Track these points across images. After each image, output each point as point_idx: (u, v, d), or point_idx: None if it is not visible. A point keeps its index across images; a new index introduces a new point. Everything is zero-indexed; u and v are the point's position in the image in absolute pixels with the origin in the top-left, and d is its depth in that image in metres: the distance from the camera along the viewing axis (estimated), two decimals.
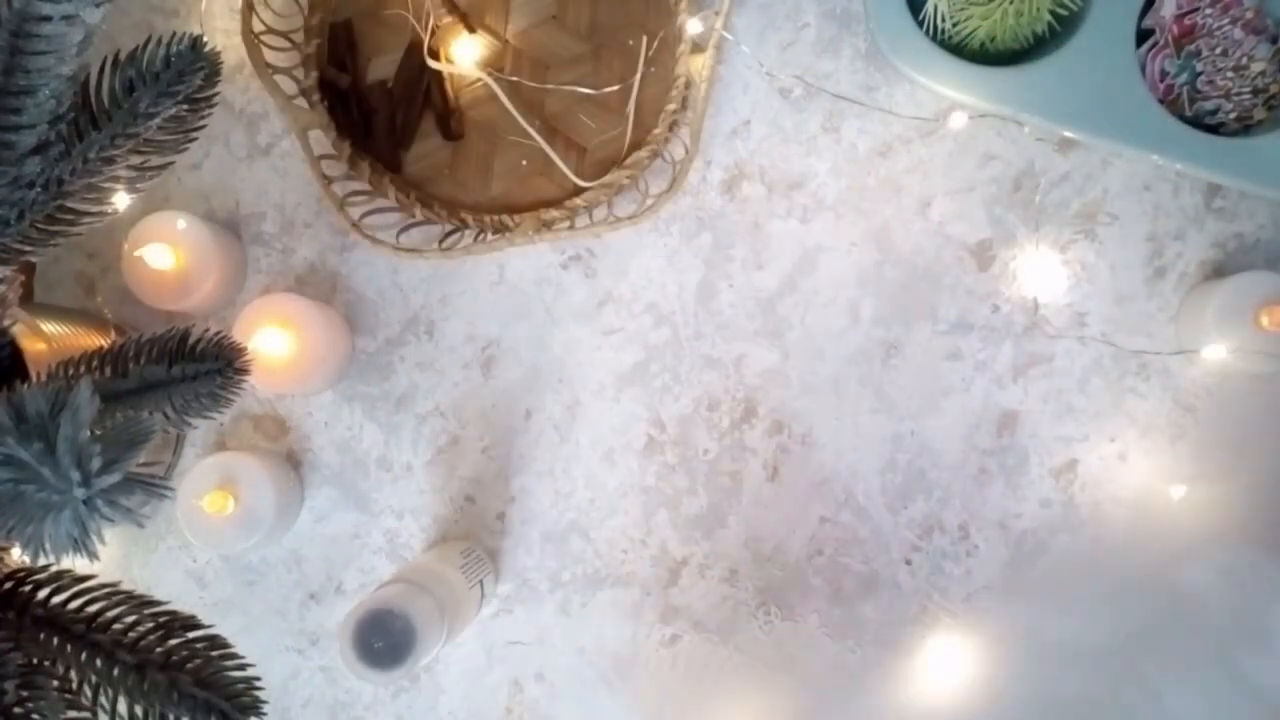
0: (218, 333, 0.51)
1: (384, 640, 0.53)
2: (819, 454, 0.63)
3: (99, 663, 0.42)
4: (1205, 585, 0.62)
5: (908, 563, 0.63)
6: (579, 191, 0.63)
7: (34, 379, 0.49)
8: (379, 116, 0.65)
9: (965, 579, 0.63)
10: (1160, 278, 0.63)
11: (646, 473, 0.64)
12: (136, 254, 0.60)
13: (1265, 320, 0.58)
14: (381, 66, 0.66)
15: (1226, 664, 0.61)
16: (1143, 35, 0.62)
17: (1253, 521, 0.62)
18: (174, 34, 0.46)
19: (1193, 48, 0.61)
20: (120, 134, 0.45)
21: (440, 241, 0.63)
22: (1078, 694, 0.62)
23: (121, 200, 0.51)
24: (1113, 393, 0.63)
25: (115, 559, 0.66)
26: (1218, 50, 0.60)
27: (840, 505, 0.63)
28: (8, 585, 0.44)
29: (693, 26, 0.62)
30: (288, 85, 0.63)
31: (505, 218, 0.64)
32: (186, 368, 0.49)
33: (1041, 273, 0.63)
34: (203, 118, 0.50)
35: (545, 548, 0.64)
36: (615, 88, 0.65)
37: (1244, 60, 0.60)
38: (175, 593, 0.66)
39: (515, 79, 0.65)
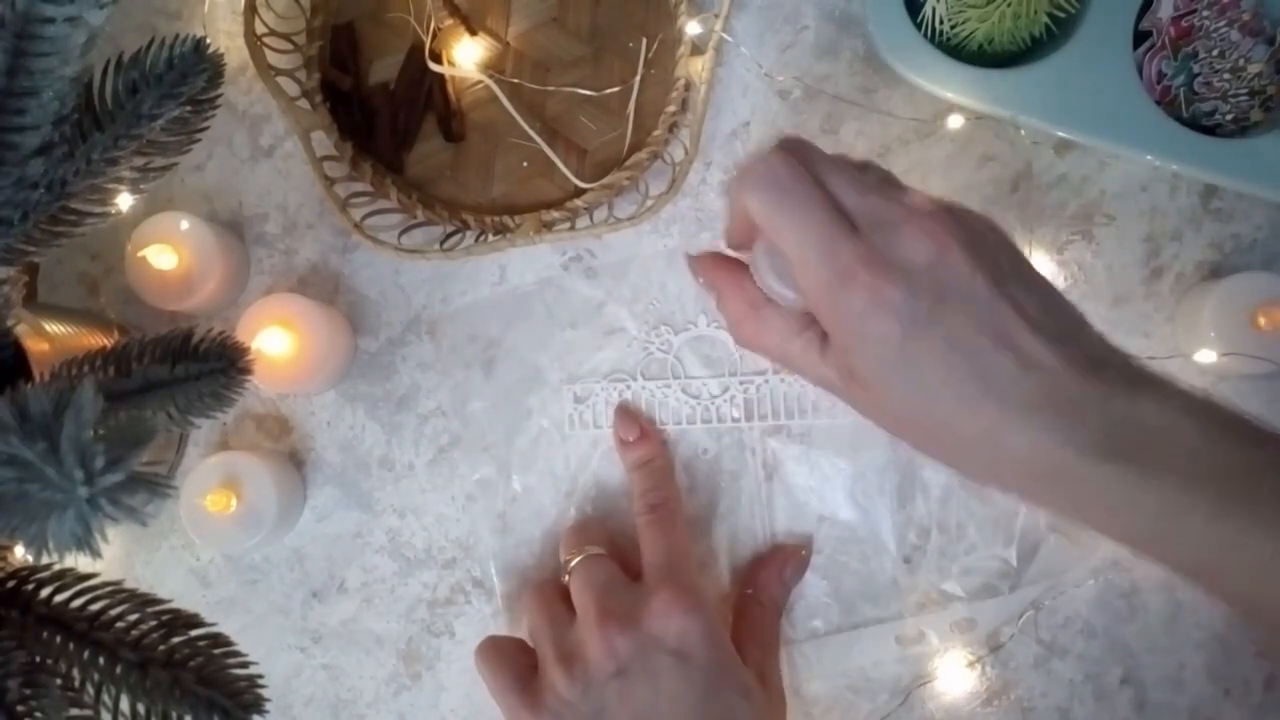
0: (220, 333, 0.52)
1: None
2: (817, 453, 0.64)
3: (102, 661, 0.42)
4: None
5: (906, 561, 0.63)
6: (579, 193, 0.64)
7: (37, 379, 0.50)
8: (381, 118, 0.66)
9: (964, 577, 0.63)
10: (1157, 278, 0.63)
11: None
12: (140, 254, 0.61)
13: (1262, 321, 0.58)
14: (383, 68, 0.66)
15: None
16: (1140, 37, 0.62)
17: None
18: (177, 36, 0.46)
19: (1190, 49, 0.61)
20: (124, 135, 0.45)
21: (441, 242, 0.64)
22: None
23: (125, 201, 0.51)
24: None
25: (118, 558, 0.66)
26: (1215, 52, 0.60)
27: (839, 504, 0.63)
28: (10, 584, 0.44)
29: (692, 29, 0.62)
30: (290, 87, 0.63)
31: (506, 219, 0.64)
32: (190, 367, 0.50)
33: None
34: (206, 119, 0.50)
35: (546, 546, 0.64)
36: (615, 90, 0.65)
37: (1241, 62, 0.60)
38: (178, 591, 0.66)
39: (516, 81, 0.65)
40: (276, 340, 0.60)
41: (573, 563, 0.59)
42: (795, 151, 0.45)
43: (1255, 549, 0.39)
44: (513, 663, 0.58)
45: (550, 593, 0.60)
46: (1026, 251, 0.63)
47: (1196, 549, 0.40)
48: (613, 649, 0.54)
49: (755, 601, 0.61)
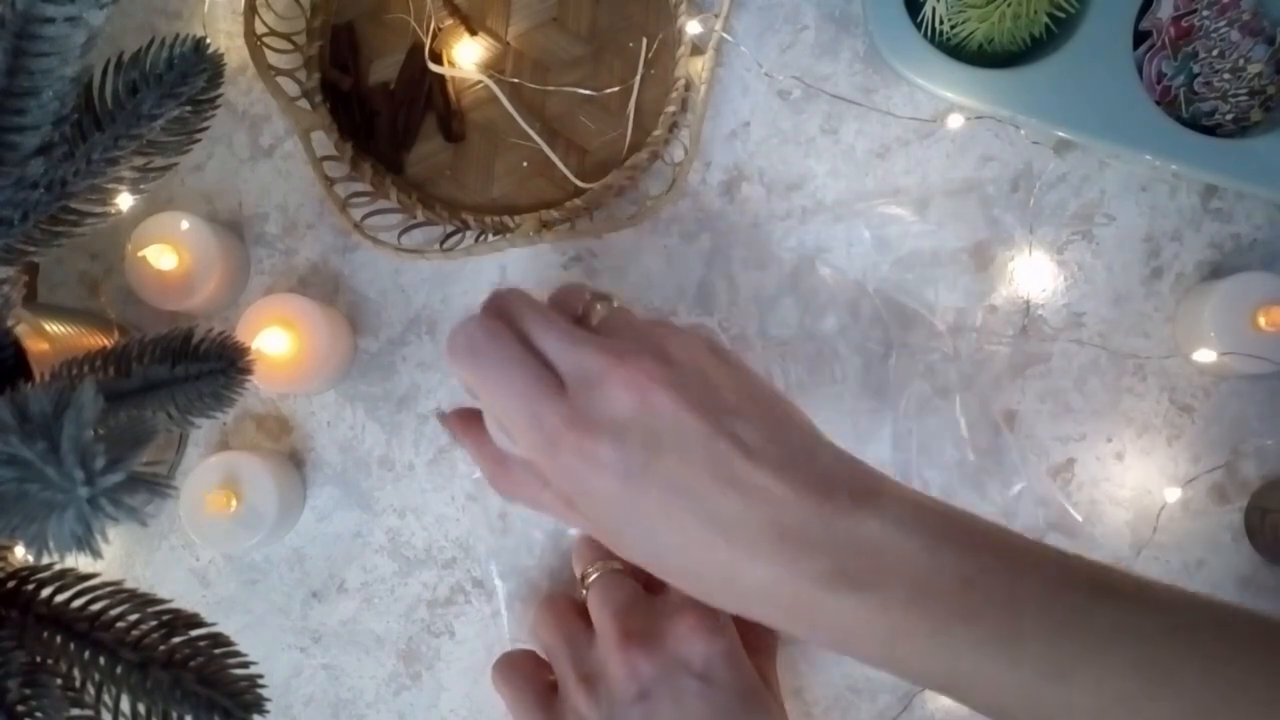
0: (221, 333, 0.52)
1: None
2: None
3: (102, 661, 0.42)
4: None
5: None
6: (579, 193, 0.64)
7: (37, 379, 0.50)
8: (381, 118, 0.66)
9: None
10: (1157, 278, 0.63)
11: None
12: (140, 254, 0.61)
13: (1262, 321, 0.58)
14: (383, 68, 0.66)
15: None
16: (1140, 37, 0.62)
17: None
18: (177, 36, 0.46)
19: (1190, 49, 0.61)
20: (124, 135, 0.45)
21: (441, 242, 0.64)
22: None
23: (125, 201, 0.51)
24: (1110, 392, 0.63)
25: (118, 558, 0.66)
26: (1215, 52, 0.60)
27: None
28: (11, 584, 0.45)
29: (692, 29, 0.62)
30: (290, 87, 0.63)
31: (506, 218, 0.64)
32: (190, 367, 0.50)
33: (1039, 273, 0.63)
34: (206, 119, 0.50)
35: (546, 546, 0.64)
36: (615, 90, 0.65)
37: (1241, 62, 0.60)
38: (178, 591, 0.66)
39: (516, 81, 0.65)
40: (276, 340, 0.60)
41: (590, 578, 0.58)
42: (499, 310, 0.45)
43: (985, 665, 0.39)
44: (532, 683, 0.58)
45: (565, 608, 0.59)
46: (1026, 252, 0.63)
47: (931, 668, 0.40)
48: (636, 671, 0.53)
49: None
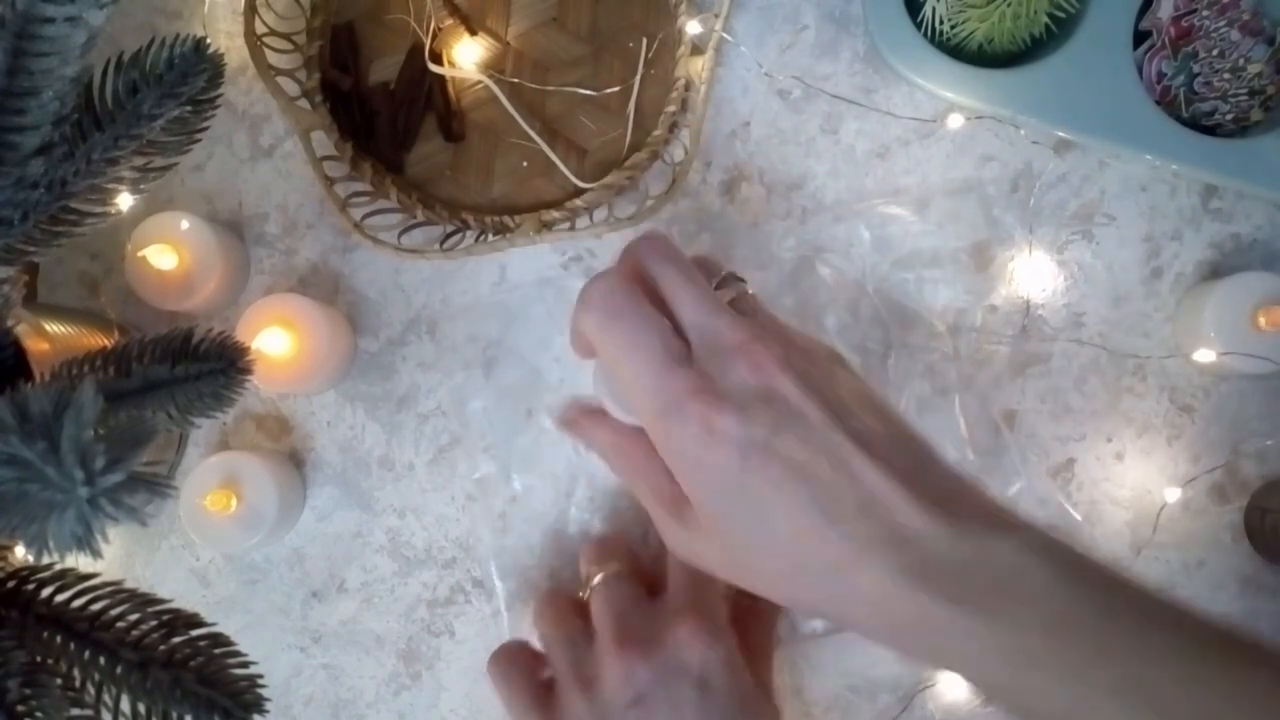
0: (221, 333, 0.52)
1: None
2: None
3: (102, 660, 0.42)
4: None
5: None
6: (579, 193, 0.64)
7: (37, 379, 0.50)
8: (381, 118, 0.66)
9: None
10: (1157, 278, 0.63)
11: None
12: (140, 254, 0.61)
13: (1262, 321, 0.58)
14: (383, 68, 0.66)
15: None
16: (1140, 37, 0.62)
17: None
18: (177, 36, 0.46)
19: (1190, 49, 0.61)
20: (124, 135, 0.45)
21: (441, 242, 0.64)
22: None
23: (125, 201, 0.51)
24: (1110, 392, 0.63)
25: (118, 558, 0.66)
26: (1215, 52, 0.60)
27: None
28: (11, 584, 0.44)
29: (692, 29, 0.62)
30: (290, 87, 0.63)
31: (506, 219, 0.64)
32: (190, 367, 0.50)
33: (1039, 273, 0.63)
34: (206, 119, 0.50)
35: (546, 546, 0.64)
36: (615, 90, 0.65)
37: (1241, 62, 0.60)
38: (178, 591, 0.66)
39: (516, 81, 0.65)
40: (276, 340, 0.60)
41: (594, 580, 0.58)
42: (644, 257, 0.45)
43: (1113, 704, 0.38)
44: (529, 680, 0.57)
45: (565, 607, 0.59)
46: (1026, 252, 0.63)
47: (1052, 699, 0.39)
48: (632, 676, 0.53)
49: (751, 612, 0.60)
